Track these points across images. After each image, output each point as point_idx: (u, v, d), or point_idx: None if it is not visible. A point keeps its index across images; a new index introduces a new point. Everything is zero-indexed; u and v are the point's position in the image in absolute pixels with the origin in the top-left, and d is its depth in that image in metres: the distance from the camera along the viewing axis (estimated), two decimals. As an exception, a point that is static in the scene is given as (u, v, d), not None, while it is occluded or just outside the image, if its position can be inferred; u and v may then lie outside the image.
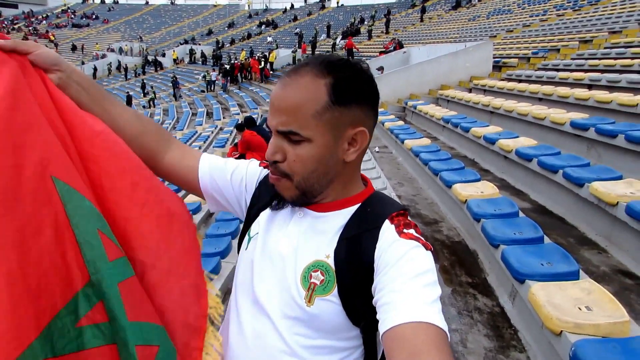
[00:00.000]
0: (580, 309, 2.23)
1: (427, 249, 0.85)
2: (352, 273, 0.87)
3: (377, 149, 8.32)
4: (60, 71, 0.91)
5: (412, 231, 0.88)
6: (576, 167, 4.20)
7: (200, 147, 13.41)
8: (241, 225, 3.62)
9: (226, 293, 3.81)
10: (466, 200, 4.04)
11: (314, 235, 0.93)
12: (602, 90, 6.98)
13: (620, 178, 3.82)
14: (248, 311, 0.96)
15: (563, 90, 7.40)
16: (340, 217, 0.94)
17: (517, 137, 5.78)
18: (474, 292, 3.26)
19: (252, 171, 1.11)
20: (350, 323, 0.88)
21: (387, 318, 0.76)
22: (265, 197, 1.06)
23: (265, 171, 1.10)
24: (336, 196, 0.95)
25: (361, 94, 0.89)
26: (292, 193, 0.92)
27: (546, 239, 3.14)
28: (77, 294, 0.75)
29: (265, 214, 1.04)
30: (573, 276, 2.55)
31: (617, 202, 3.33)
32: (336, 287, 0.87)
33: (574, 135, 5.61)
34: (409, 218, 0.94)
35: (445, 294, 3.18)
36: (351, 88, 0.87)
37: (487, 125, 6.86)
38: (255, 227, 1.04)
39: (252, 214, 1.07)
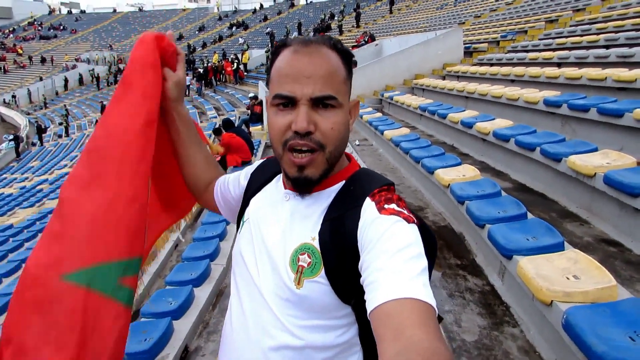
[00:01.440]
0: (568, 278, 2.28)
1: (409, 222, 0.85)
2: (337, 254, 0.88)
3: (357, 142, 8.35)
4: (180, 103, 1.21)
5: (393, 206, 0.88)
6: (552, 143, 4.29)
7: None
8: (228, 227, 3.68)
9: (218, 295, 3.79)
10: (449, 184, 4.09)
11: (300, 218, 0.95)
12: (571, 67, 7.13)
13: (595, 150, 3.91)
14: (245, 291, 0.99)
15: (534, 70, 7.54)
16: (325, 197, 0.95)
17: (494, 119, 5.87)
18: (464, 273, 3.31)
19: (247, 169, 1.20)
20: (340, 302, 0.90)
21: (372, 297, 0.76)
22: (259, 182, 1.11)
23: (260, 162, 1.19)
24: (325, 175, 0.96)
25: (351, 68, 0.97)
26: (321, 169, 0.91)
27: (529, 215, 3.20)
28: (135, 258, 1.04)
29: (256, 199, 1.08)
30: (558, 248, 2.62)
31: (595, 174, 3.42)
32: (323, 269, 0.89)
33: (547, 113, 5.72)
34: (393, 192, 0.95)
35: (435, 278, 3.22)
36: (351, 65, 0.97)
37: (464, 110, 6.94)
38: (247, 212, 1.08)
39: (245, 200, 1.12)
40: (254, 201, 1.08)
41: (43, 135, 25.80)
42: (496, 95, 7.03)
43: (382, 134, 7.09)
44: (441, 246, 3.80)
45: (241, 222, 1.10)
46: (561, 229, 3.43)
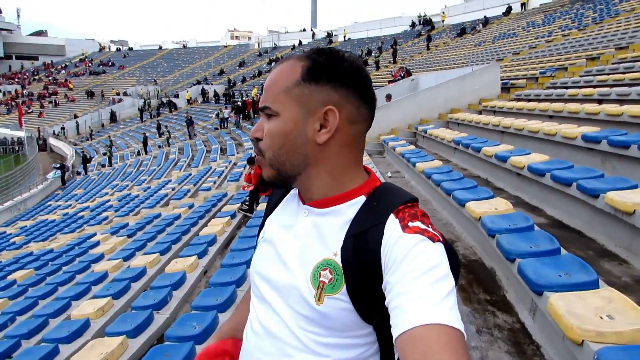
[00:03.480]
0: (601, 317, 2.16)
1: (434, 240, 0.82)
2: (360, 271, 0.86)
3: (389, 174, 8.32)
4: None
5: (417, 224, 0.85)
6: (590, 178, 4.14)
7: (215, 182, 13.58)
8: None
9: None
10: (480, 217, 3.99)
11: (320, 232, 0.93)
12: (613, 104, 6.94)
13: (636, 187, 3.74)
14: (262, 310, 0.98)
15: (573, 106, 7.37)
16: (345, 212, 0.92)
17: (529, 153, 5.74)
18: (493, 309, 3.18)
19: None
20: (362, 321, 0.87)
21: (398, 323, 0.74)
22: (273, 200, 1.12)
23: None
24: (334, 189, 0.94)
25: (337, 75, 0.90)
26: (268, 172, 0.96)
27: (563, 251, 3.07)
28: None
29: (272, 217, 1.07)
30: (592, 285, 2.48)
31: (634, 211, 3.26)
32: (344, 286, 0.86)
33: (586, 149, 5.55)
34: (417, 207, 0.91)
35: (464, 313, 3.11)
36: (325, 68, 0.90)
37: (498, 144, 6.83)
38: (262, 233, 1.07)
39: (263, 222, 1.11)
40: (269, 220, 1.07)
41: (88, 164, 26.90)
42: (533, 130, 6.89)
43: (414, 166, 7.04)
44: (471, 281, 3.69)
45: (256, 244, 1.09)
46: (598, 267, 3.27)
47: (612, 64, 10.26)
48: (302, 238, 0.94)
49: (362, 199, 0.93)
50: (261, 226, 1.11)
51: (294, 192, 1.07)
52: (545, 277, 2.63)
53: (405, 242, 0.82)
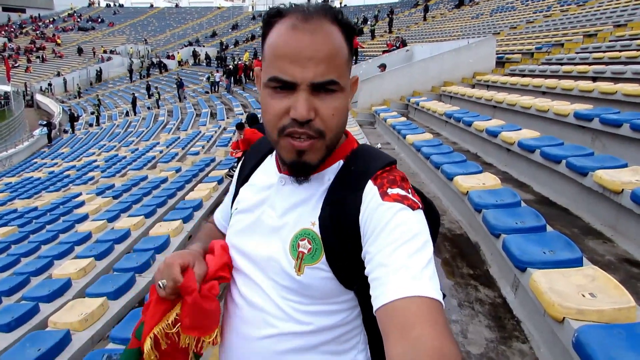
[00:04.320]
0: (583, 295, 2.14)
1: (413, 208, 0.80)
2: (338, 239, 0.84)
3: (379, 145, 8.24)
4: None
5: (397, 190, 0.82)
6: (580, 156, 4.10)
7: (203, 147, 13.43)
8: None
9: (225, 288, 3.76)
10: (467, 191, 3.96)
11: (299, 202, 0.90)
12: (607, 82, 6.87)
13: (625, 166, 3.71)
14: (241, 282, 0.96)
15: (567, 83, 7.29)
16: (324, 179, 0.90)
17: (520, 129, 5.68)
18: (476, 283, 3.18)
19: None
20: (342, 287, 0.87)
21: (378, 295, 0.74)
22: (248, 168, 1.05)
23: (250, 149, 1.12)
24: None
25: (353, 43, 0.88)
26: (320, 155, 0.85)
27: (549, 228, 3.05)
28: None
29: (247, 187, 1.02)
30: (576, 263, 2.47)
31: (622, 190, 3.24)
32: (324, 255, 0.85)
33: (577, 127, 5.50)
34: (395, 170, 0.89)
35: (446, 286, 3.10)
36: (354, 36, 0.87)
37: (490, 119, 6.75)
38: (236, 202, 1.03)
39: (234, 192, 1.07)
40: (244, 190, 1.03)
41: (75, 123, 26.45)
42: (525, 106, 6.82)
43: (404, 138, 6.96)
44: (455, 255, 3.68)
45: (230, 214, 1.05)
46: (582, 245, 3.27)
47: (610, 41, 10.14)
48: (278, 208, 0.92)
49: (339, 163, 0.90)
50: (234, 195, 1.06)
51: (269, 160, 1.02)
52: (530, 254, 2.61)
53: (384, 211, 0.80)
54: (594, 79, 7.57)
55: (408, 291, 0.70)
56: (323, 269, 0.85)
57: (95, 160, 15.57)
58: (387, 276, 0.73)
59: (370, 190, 0.83)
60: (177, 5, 67.87)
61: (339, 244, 0.84)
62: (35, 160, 20.02)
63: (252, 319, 0.91)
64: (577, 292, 2.18)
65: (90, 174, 13.14)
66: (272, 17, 0.84)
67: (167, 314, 0.92)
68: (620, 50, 8.79)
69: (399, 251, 0.75)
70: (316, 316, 0.88)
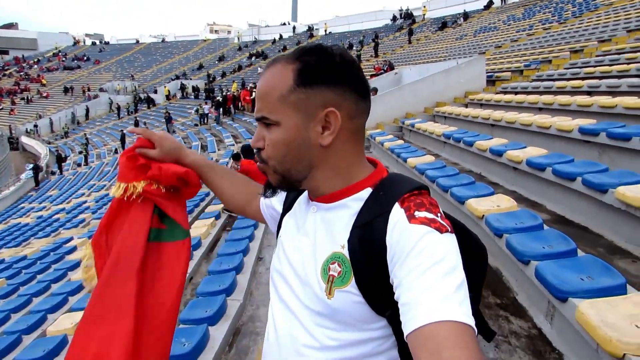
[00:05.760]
0: (638, 326, 1.98)
1: (441, 232, 0.79)
2: (367, 262, 0.85)
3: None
4: (182, 154, 1.30)
5: (424, 214, 0.81)
6: (595, 172, 3.99)
7: (196, 180, 13.19)
8: (245, 259, 3.54)
9: (235, 334, 3.52)
10: (483, 215, 3.81)
11: (328, 227, 0.92)
12: (604, 95, 6.85)
13: (644, 181, 3.61)
14: (278, 310, 0.99)
15: (564, 98, 7.27)
16: (352, 205, 0.91)
17: (525, 147, 5.59)
18: (505, 313, 3.00)
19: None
20: (374, 314, 0.86)
21: (407, 321, 0.73)
22: (288, 200, 1.12)
23: None
24: (340, 184, 0.93)
25: (330, 75, 0.88)
26: (274, 178, 0.95)
27: (579, 252, 2.90)
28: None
29: (288, 217, 1.07)
30: (620, 290, 2.31)
31: (649, 206, 3.12)
32: (353, 278, 0.85)
33: (582, 142, 5.43)
34: (426, 196, 0.88)
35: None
36: (318, 70, 0.88)
37: (491, 138, 6.68)
38: (280, 232, 1.08)
39: (280, 219, 1.12)
40: (286, 218, 1.08)
41: (63, 164, 26.11)
42: (525, 123, 6.76)
43: (405, 161, 6.85)
44: (476, 283, 3.50)
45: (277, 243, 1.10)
46: (612, 266, 3.10)
47: (597, 56, 10.25)
48: (311, 235, 0.95)
49: (368, 191, 0.92)
50: (279, 224, 1.12)
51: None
52: (567, 282, 2.45)
53: (410, 234, 0.79)
54: (589, 93, 7.56)
55: (437, 316, 0.70)
56: (353, 293, 0.85)
57: (85, 202, 15.18)
58: (415, 301, 0.73)
59: (397, 213, 0.84)
60: (163, 40, 68.27)
61: (368, 266, 0.84)
62: (22, 204, 19.53)
63: (285, 348, 0.93)
64: (630, 323, 2.01)
65: (81, 216, 12.72)
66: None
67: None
68: (610, 65, 8.86)
69: (427, 275, 0.74)
70: (348, 344, 0.87)
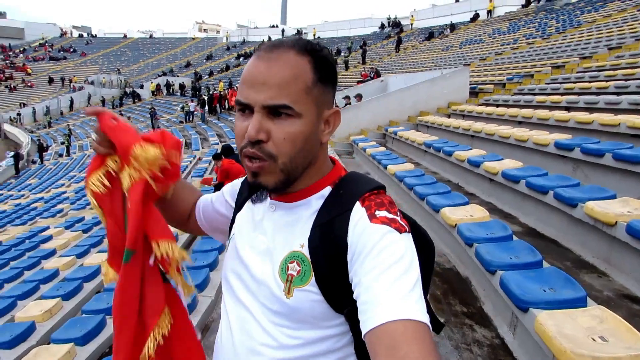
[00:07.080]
0: (594, 339, 2.02)
1: (401, 232, 0.81)
2: (327, 261, 0.85)
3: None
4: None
5: (384, 213, 0.83)
6: (567, 187, 4.07)
7: (177, 178, 13.10)
8: (220, 256, 3.47)
9: (203, 330, 3.50)
10: (456, 224, 3.86)
11: (288, 225, 0.92)
12: (581, 111, 7.00)
13: (614, 197, 3.69)
14: (233, 309, 0.97)
15: (543, 113, 7.41)
16: (312, 203, 0.91)
17: (502, 159, 5.68)
18: (471, 322, 3.03)
19: (231, 187, 1.14)
20: (332, 311, 0.86)
21: (365, 320, 0.74)
22: (243, 196, 1.08)
23: (243, 178, 1.13)
24: (307, 183, 0.92)
25: (334, 77, 0.90)
26: (276, 178, 0.86)
27: (544, 264, 2.95)
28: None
29: (242, 215, 1.05)
30: (580, 302, 2.36)
31: (616, 222, 3.18)
32: (313, 277, 0.85)
33: (558, 156, 5.53)
34: (384, 195, 0.90)
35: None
36: (332, 69, 0.90)
37: (470, 149, 6.77)
38: (233, 229, 1.06)
39: (233, 217, 1.08)
40: (239, 216, 1.06)
41: (44, 153, 25.66)
42: (504, 136, 6.87)
43: (385, 168, 6.90)
44: (446, 291, 3.54)
45: (228, 241, 1.07)
46: (578, 280, 3.16)
47: (577, 72, 10.47)
48: (269, 234, 0.94)
49: (328, 189, 0.92)
50: (232, 222, 1.08)
51: None
52: (530, 292, 2.49)
53: (371, 233, 0.80)
54: (568, 109, 7.71)
55: (395, 314, 0.71)
56: (312, 291, 0.85)
57: (64, 192, 14.98)
58: (374, 300, 0.74)
59: (358, 212, 0.84)
60: (151, 36, 67.70)
61: (328, 265, 0.84)
62: (1, 191, 19.21)
63: (240, 347, 0.91)
64: (586, 335, 2.05)
65: (59, 206, 12.58)
66: (254, 50, 0.90)
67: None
68: (589, 81, 9.06)
69: (385, 275, 0.75)
70: (305, 342, 0.87)
